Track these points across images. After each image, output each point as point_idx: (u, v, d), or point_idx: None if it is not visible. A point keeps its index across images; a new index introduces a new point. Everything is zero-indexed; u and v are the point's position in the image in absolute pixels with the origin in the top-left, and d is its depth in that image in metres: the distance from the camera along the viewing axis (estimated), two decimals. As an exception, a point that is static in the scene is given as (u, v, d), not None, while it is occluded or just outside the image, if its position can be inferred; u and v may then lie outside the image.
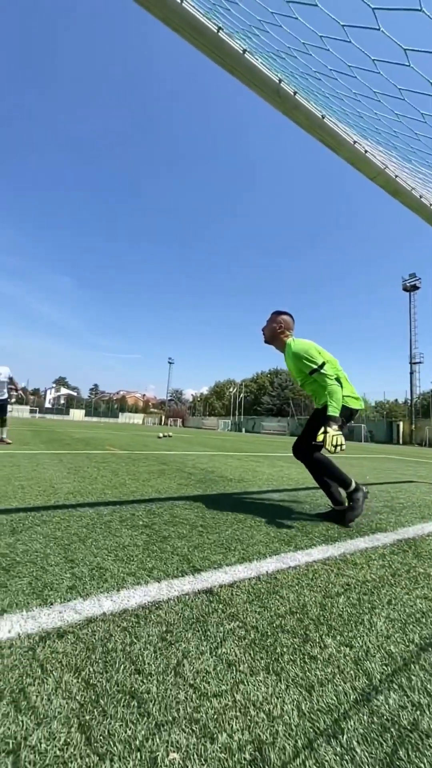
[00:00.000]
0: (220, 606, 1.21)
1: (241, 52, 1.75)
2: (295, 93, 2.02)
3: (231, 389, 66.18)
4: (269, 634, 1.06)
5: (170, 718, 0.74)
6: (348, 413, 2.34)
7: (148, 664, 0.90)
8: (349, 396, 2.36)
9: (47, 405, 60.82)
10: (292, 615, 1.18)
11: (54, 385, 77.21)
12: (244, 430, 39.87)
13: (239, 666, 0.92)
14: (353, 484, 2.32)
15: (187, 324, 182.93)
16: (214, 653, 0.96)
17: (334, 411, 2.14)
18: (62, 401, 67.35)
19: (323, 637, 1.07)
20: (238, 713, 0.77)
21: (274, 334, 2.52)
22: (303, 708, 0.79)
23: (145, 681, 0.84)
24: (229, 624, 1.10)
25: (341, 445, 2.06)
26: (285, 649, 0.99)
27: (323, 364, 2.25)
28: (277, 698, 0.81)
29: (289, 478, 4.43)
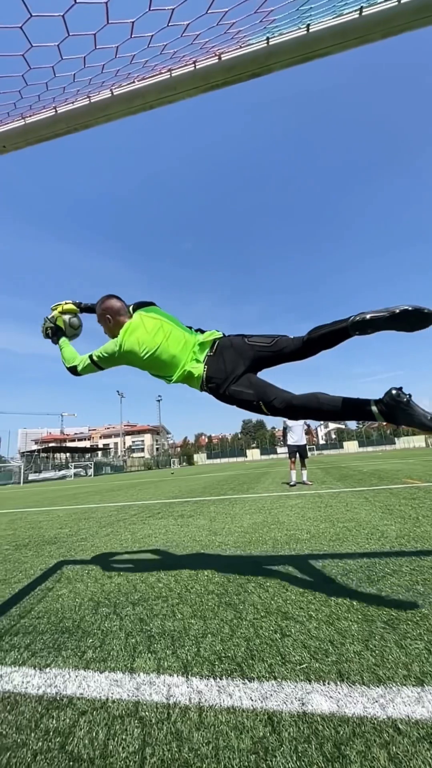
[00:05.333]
0: None
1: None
2: None
3: None
4: None
5: None
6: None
7: None
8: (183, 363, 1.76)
9: (321, 441, 64.27)
10: None
11: (321, 423, 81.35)
12: None
13: None
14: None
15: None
16: None
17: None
18: (333, 436, 69.31)
19: None
20: None
21: (109, 329, 1.95)
22: None
23: None
24: None
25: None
26: None
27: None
28: None
29: None
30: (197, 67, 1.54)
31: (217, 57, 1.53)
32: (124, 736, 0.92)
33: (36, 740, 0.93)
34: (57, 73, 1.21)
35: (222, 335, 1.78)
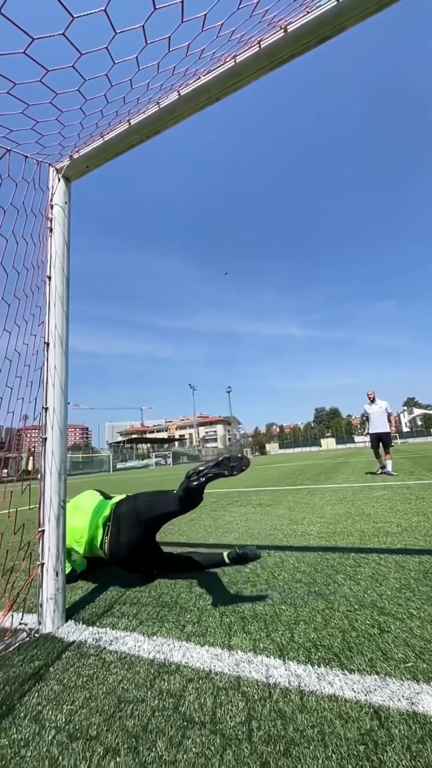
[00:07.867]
0: None
1: None
2: None
3: None
4: None
5: None
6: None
7: None
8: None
9: (405, 429, 58.94)
10: None
11: (404, 408, 74.39)
12: None
13: None
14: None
15: None
16: None
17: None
18: (419, 422, 62.94)
19: None
20: None
21: None
22: None
23: None
24: None
25: None
26: None
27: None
28: None
29: None
30: (262, 46, 1.49)
31: (282, 30, 1.46)
32: (230, 707, 0.98)
33: (152, 698, 1.04)
34: (133, 85, 1.28)
35: (124, 497, 2.05)
